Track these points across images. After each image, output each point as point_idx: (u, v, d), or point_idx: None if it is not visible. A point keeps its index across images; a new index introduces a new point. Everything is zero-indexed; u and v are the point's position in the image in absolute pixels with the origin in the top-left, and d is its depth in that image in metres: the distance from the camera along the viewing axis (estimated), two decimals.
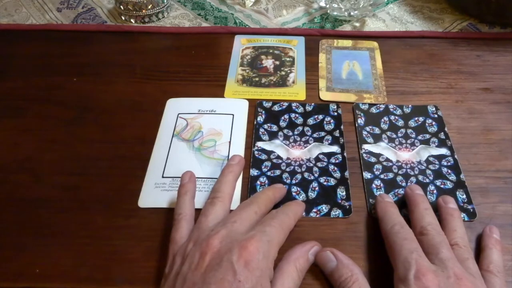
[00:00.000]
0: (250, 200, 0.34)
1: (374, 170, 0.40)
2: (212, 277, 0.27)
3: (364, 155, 0.41)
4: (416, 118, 0.44)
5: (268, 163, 0.40)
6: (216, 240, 0.29)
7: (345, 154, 0.41)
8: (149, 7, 0.56)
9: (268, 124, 0.44)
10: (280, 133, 0.43)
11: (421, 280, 0.27)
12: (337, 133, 0.43)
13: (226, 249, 0.29)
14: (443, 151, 0.41)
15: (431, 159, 0.40)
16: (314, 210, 0.37)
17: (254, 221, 0.32)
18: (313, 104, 0.46)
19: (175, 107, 0.46)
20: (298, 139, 0.43)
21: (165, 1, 0.57)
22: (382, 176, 0.39)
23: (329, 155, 0.41)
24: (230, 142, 0.42)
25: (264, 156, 0.41)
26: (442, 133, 0.43)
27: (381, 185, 0.38)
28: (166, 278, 0.30)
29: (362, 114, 0.45)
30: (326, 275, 0.32)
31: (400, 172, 0.39)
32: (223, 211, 0.33)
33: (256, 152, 0.41)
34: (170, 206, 0.37)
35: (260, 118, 0.44)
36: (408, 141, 0.42)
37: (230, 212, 0.33)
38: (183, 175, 0.37)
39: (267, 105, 0.46)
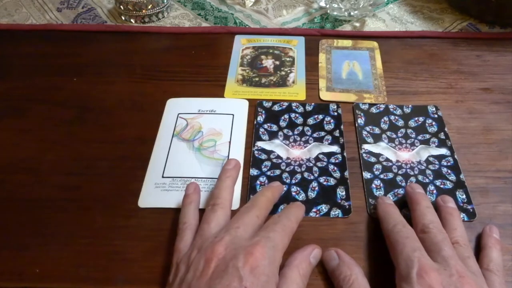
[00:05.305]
0: (251, 204, 0.34)
1: (374, 170, 0.40)
2: (218, 283, 0.27)
3: (364, 155, 0.41)
4: (416, 118, 0.44)
5: (268, 163, 0.40)
6: (221, 246, 0.29)
7: (345, 154, 0.41)
8: (149, 7, 0.56)
9: (268, 124, 0.44)
10: (280, 133, 0.43)
11: (424, 278, 0.27)
12: (337, 133, 0.43)
13: (231, 256, 0.29)
14: (443, 151, 0.41)
15: (431, 159, 0.40)
16: (314, 210, 0.37)
17: (257, 226, 0.32)
18: (313, 104, 0.46)
19: (175, 107, 0.46)
20: (298, 139, 0.43)
21: (165, 1, 0.57)
22: (382, 176, 0.39)
23: (329, 155, 0.41)
24: (230, 142, 0.42)
25: (264, 156, 0.41)
26: (442, 133, 0.43)
27: (381, 185, 0.39)
28: (170, 286, 0.30)
29: (362, 114, 0.45)
30: (328, 273, 0.32)
31: (400, 172, 0.39)
32: (224, 217, 0.33)
33: (256, 152, 0.41)
34: (170, 206, 0.37)
35: (260, 118, 0.44)
36: (408, 141, 0.42)
37: (231, 217, 0.33)
38: (188, 185, 0.37)
39: (267, 105, 0.46)
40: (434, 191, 0.38)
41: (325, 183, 0.39)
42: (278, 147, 0.42)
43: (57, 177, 0.40)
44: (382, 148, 0.41)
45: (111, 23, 0.57)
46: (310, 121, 0.44)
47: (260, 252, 0.29)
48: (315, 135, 0.43)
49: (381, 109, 0.45)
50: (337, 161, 0.40)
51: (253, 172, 0.40)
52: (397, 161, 0.40)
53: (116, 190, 0.39)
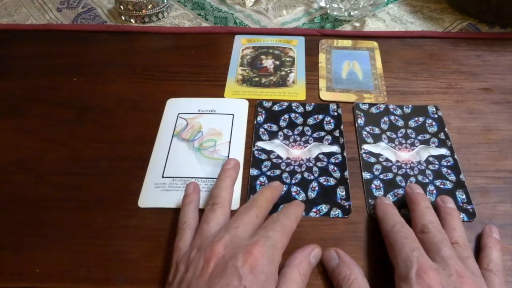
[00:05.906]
0: (250, 203, 0.34)
1: (374, 170, 0.40)
2: (217, 283, 0.27)
3: (364, 155, 0.41)
4: (416, 118, 0.44)
5: (268, 163, 0.40)
6: (220, 246, 0.29)
7: (345, 154, 0.41)
8: (149, 7, 0.56)
9: (268, 124, 0.44)
10: (280, 133, 0.43)
11: (423, 278, 0.27)
12: (337, 133, 0.43)
13: (230, 255, 0.29)
14: (443, 151, 0.41)
15: (430, 159, 0.40)
16: (314, 210, 0.37)
17: (256, 225, 0.32)
18: (313, 104, 0.46)
19: (175, 107, 0.46)
20: (298, 139, 0.43)
21: (165, 1, 0.57)
22: (381, 176, 0.39)
23: (329, 155, 0.41)
24: (230, 142, 0.42)
25: (264, 156, 0.41)
26: (442, 133, 0.43)
27: (381, 185, 0.39)
28: (169, 286, 0.30)
29: (362, 114, 0.45)
30: (328, 273, 0.32)
31: (399, 172, 0.39)
32: (224, 217, 0.33)
33: (256, 152, 0.41)
34: (170, 206, 0.37)
35: (260, 118, 0.44)
36: (408, 141, 0.42)
37: (231, 217, 0.33)
38: (187, 185, 0.37)
39: (267, 105, 0.46)
40: (434, 191, 0.38)
41: (325, 183, 0.39)
42: (278, 147, 0.42)
43: (57, 177, 0.40)
44: (382, 148, 0.41)
45: (111, 23, 0.57)
46: (310, 121, 0.44)
47: (259, 251, 0.29)
48: (315, 135, 0.43)
49: (381, 109, 0.45)
50: (337, 161, 0.40)
51: (253, 172, 0.40)
52: (397, 161, 0.40)
53: (116, 190, 0.39)
